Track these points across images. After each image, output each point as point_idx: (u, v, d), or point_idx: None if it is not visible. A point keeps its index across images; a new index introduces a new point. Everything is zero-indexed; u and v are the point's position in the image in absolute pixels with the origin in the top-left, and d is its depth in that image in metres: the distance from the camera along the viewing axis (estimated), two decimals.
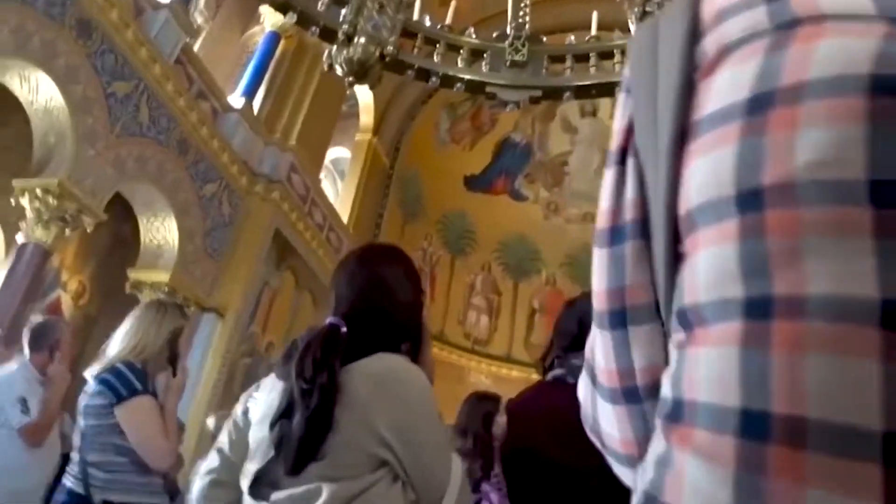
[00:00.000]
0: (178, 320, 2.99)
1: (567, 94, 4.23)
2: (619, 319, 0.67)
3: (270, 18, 10.81)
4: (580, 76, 4.25)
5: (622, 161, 0.68)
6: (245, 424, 1.67)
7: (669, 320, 0.61)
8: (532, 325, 16.62)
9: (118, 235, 8.99)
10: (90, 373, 2.79)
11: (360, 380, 1.47)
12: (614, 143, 0.70)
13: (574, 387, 2.04)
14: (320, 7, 4.05)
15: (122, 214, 8.67)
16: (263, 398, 1.64)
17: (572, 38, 4.48)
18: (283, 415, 1.48)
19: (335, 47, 4.00)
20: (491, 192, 17.24)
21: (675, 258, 0.60)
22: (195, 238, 9.21)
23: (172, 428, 2.81)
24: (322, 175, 13.75)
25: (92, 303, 8.78)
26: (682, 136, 0.60)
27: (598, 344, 0.71)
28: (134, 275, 8.83)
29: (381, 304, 1.67)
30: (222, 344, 9.23)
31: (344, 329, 1.55)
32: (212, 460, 1.70)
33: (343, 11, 4.02)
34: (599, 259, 0.70)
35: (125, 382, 2.67)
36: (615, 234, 0.68)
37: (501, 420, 4.13)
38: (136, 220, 8.91)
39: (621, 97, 0.72)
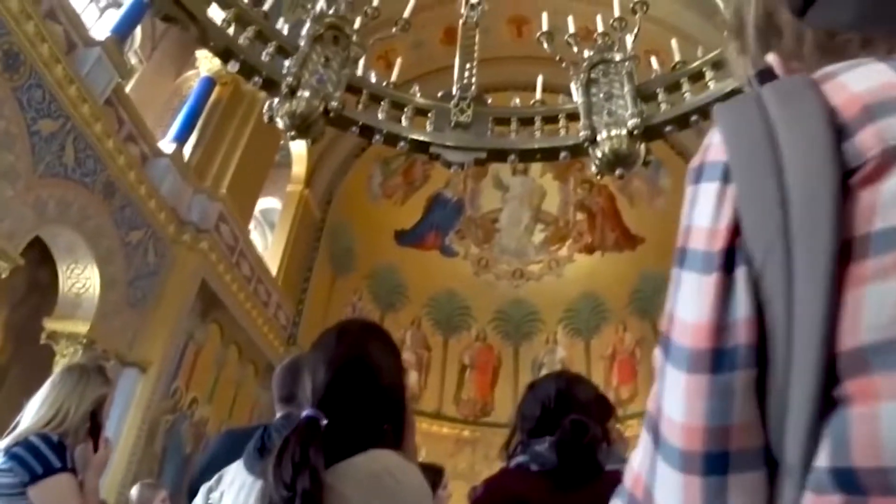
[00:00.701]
0: (102, 388, 2.71)
1: (512, 156, 4.21)
2: (719, 464, 0.55)
3: (206, 63, 10.66)
4: (525, 139, 4.24)
5: (728, 267, 0.56)
6: None
7: (805, 476, 0.51)
8: (462, 382, 16.52)
9: (34, 281, 8.55)
10: None
11: (353, 483, 1.33)
12: (711, 242, 0.58)
13: (537, 475, 1.96)
14: (264, 57, 3.95)
15: (38, 259, 8.24)
16: (231, 497, 1.47)
17: (517, 100, 4.49)
18: None
19: (277, 100, 3.89)
20: (421, 247, 17.24)
21: (824, 403, 0.50)
22: (117, 287, 8.81)
23: None
24: (251, 226, 13.49)
25: (3, 353, 8.30)
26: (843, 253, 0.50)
27: (674, 488, 0.58)
28: (50, 324, 8.33)
29: (364, 388, 1.52)
30: (144, 400, 8.78)
31: (324, 421, 1.40)
32: None
33: (287, 63, 3.93)
34: (693, 385, 0.56)
35: (40, 458, 2.40)
36: (721, 359, 0.55)
37: (444, 493, 4.00)
38: (55, 265, 8.47)
39: (714, 186, 0.59)
